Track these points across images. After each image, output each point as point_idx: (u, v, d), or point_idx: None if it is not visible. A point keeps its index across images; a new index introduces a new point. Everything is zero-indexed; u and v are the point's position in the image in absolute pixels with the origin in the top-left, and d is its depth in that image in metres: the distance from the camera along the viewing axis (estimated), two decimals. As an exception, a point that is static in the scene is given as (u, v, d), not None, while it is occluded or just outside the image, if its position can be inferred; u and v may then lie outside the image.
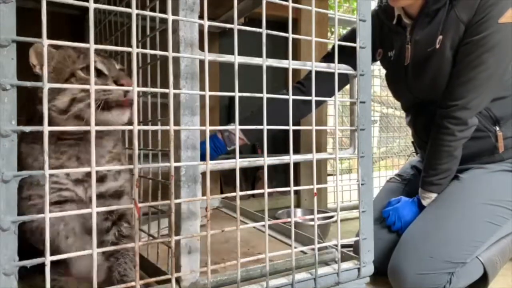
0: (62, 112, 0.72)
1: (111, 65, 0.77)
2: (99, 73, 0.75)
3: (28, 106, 0.76)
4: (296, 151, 1.94)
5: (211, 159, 0.66)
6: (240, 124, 0.70)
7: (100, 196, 0.78)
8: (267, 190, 0.72)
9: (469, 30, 1.13)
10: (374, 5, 1.48)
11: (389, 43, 1.34)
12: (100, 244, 0.81)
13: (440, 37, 1.18)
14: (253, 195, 1.84)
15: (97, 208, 0.55)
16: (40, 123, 0.50)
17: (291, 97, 0.74)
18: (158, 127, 0.70)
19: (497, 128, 1.22)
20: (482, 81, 1.13)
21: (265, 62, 0.70)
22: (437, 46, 1.18)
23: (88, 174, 0.64)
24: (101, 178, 0.81)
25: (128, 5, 0.58)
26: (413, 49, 1.25)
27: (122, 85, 0.72)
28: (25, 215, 0.56)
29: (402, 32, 1.28)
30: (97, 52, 0.75)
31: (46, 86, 0.50)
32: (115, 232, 0.85)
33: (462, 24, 1.14)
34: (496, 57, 1.12)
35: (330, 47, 2.08)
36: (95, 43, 0.54)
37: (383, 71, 1.59)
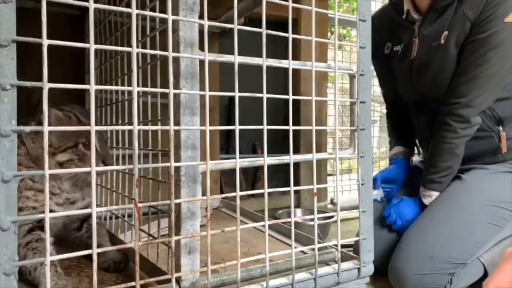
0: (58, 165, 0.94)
1: (102, 144, 0.98)
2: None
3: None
4: (296, 151, 1.94)
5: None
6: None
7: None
8: (267, 190, 0.72)
9: (475, 28, 1.13)
10: (374, 5, 1.48)
11: (398, 38, 1.35)
12: (75, 239, 1.06)
13: (446, 32, 1.19)
14: (253, 195, 1.84)
15: (97, 208, 0.55)
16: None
17: (291, 97, 0.74)
18: (158, 127, 0.70)
19: (501, 128, 1.22)
20: (485, 80, 1.14)
21: (265, 62, 0.70)
22: (442, 41, 1.19)
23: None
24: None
25: (128, 5, 0.58)
26: (420, 43, 1.26)
27: (106, 164, 0.95)
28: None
29: (411, 26, 1.29)
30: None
31: (46, 86, 0.50)
32: (86, 227, 1.05)
33: (468, 22, 1.14)
34: (500, 56, 1.12)
35: (330, 47, 2.08)
36: (95, 43, 0.54)
37: (384, 71, 1.59)
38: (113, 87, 0.64)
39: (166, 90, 0.62)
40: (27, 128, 0.51)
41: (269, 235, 0.76)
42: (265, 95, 0.70)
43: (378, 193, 1.29)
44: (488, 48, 1.12)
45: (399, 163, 1.40)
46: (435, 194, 1.22)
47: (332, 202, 2.14)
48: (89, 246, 0.53)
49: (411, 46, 1.28)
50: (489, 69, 1.13)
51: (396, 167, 1.39)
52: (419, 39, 1.26)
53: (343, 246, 0.87)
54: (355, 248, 1.22)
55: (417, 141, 1.50)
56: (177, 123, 0.68)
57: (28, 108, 1.36)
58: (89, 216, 1.01)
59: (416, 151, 1.53)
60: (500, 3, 1.10)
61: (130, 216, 1.15)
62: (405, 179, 1.38)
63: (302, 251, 1.03)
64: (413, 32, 1.28)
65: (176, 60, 0.68)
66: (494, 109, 1.21)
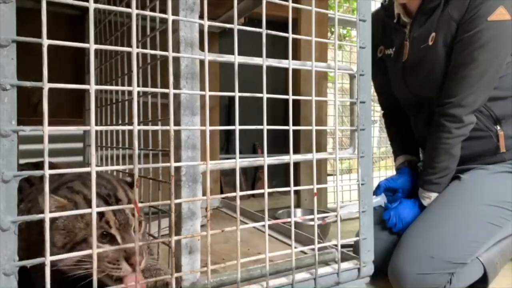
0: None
1: (126, 234, 0.68)
2: (111, 238, 0.67)
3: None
4: (296, 151, 1.94)
5: None
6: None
7: None
8: (267, 190, 0.72)
9: (461, 27, 1.15)
10: (374, 5, 1.49)
11: (390, 41, 1.37)
12: None
13: (433, 34, 1.20)
14: (253, 195, 1.84)
15: (97, 208, 0.55)
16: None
17: (291, 97, 0.74)
18: (158, 127, 0.70)
19: (498, 128, 1.22)
20: (474, 79, 1.14)
21: (265, 62, 0.70)
22: (430, 42, 1.21)
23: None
24: None
25: (128, 5, 0.58)
26: (410, 46, 1.28)
27: (132, 264, 0.65)
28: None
29: (402, 29, 1.31)
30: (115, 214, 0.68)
31: (46, 86, 0.50)
32: None
33: (454, 22, 1.16)
34: (487, 55, 1.13)
35: (330, 47, 2.08)
36: (95, 43, 0.54)
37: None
38: (113, 87, 0.65)
39: (166, 90, 0.62)
40: (27, 128, 0.51)
41: (269, 235, 0.76)
42: (265, 95, 0.70)
43: (381, 200, 1.28)
44: (475, 47, 1.12)
45: (405, 173, 1.37)
46: (433, 195, 1.22)
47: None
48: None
49: (403, 49, 1.30)
50: (477, 68, 1.13)
51: (401, 176, 1.36)
52: (410, 41, 1.28)
53: (343, 246, 0.87)
54: (355, 248, 1.22)
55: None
56: (177, 123, 0.68)
57: (28, 108, 1.36)
58: None
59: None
60: (483, 2, 1.11)
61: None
62: (410, 187, 1.34)
63: (302, 251, 1.03)
64: (404, 35, 1.29)
65: (176, 60, 0.68)
66: (491, 108, 1.21)
